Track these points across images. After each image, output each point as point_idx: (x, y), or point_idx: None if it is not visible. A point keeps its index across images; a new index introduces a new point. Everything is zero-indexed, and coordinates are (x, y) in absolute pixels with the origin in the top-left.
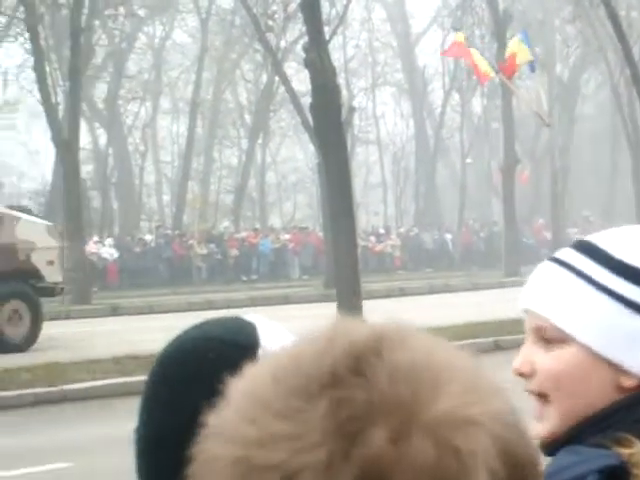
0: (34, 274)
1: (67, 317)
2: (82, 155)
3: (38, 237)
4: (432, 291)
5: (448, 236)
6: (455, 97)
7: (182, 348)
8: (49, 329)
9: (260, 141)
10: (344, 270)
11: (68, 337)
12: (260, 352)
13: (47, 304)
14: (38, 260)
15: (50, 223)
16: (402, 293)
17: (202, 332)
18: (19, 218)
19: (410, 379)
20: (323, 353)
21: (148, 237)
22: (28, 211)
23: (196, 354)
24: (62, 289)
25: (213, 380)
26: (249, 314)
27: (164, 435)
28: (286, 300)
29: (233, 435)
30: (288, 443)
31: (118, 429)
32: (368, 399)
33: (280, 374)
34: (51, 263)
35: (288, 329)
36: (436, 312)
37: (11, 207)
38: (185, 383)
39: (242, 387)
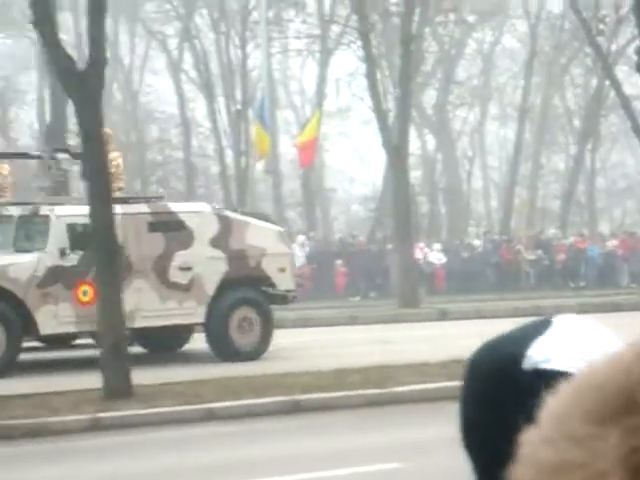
0: (265, 281)
1: (395, 320)
2: (411, 160)
3: (269, 243)
4: None
5: None
6: None
7: (492, 358)
8: (384, 331)
9: (589, 146)
10: None
11: (399, 339)
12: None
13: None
14: (269, 267)
15: (282, 229)
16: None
17: (512, 341)
18: (249, 223)
19: None
20: (622, 376)
21: (476, 242)
22: (265, 217)
23: (507, 367)
24: (294, 297)
25: (526, 396)
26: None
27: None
28: (616, 308)
29: (531, 457)
30: (579, 472)
31: (447, 431)
32: None
33: (579, 395)
34: (282, 270)
35: (619, 339)
36: None
37: (249, 213)
38: (495, 399)
39: (548, 405)
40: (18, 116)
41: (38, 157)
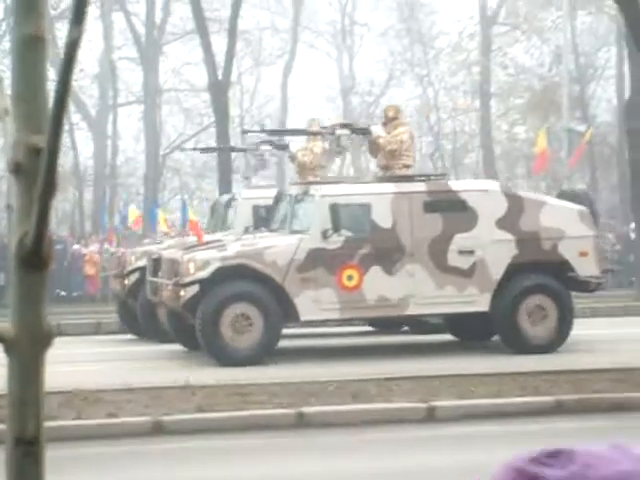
0: (562, 266)
1: None
2: None
3: (567, 225)
4: None
5: None
6: None
7: None
8: None
9: None
10: None
11: None
12: None
13: None
14: (567, 250)
15: (584, 208)
16: None
17: None
18: (544, 203)
19: None
20: None
21: None
22: (575, 196)
23: None
24: (599, 284)
25: None
26: None
27: None
28: None
29: None
30: None
31: None
32: None
33: None
34: (584, 254)
35: None
36: None
37: (563, 193)
38: None
39: None
40: (596, 93)
41: (318, 134)
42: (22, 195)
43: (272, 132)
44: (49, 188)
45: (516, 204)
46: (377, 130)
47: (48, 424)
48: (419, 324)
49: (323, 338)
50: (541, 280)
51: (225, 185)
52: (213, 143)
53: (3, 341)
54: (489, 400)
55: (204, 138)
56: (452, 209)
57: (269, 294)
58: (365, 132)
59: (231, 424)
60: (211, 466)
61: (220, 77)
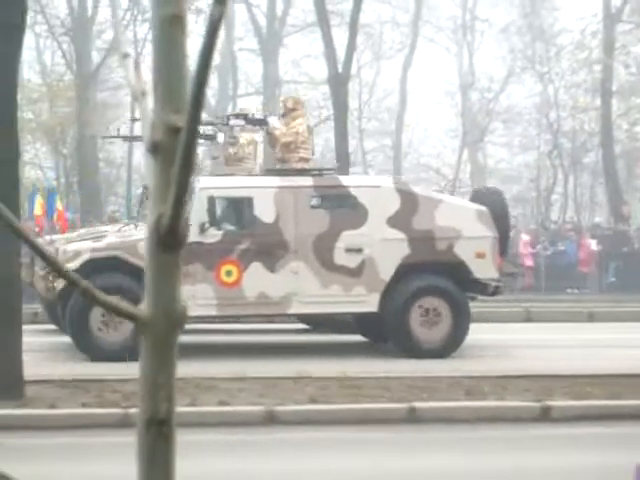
0: (458, 267)
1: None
2: None
3: (464, 224)
4: None
5: None
6: None
7: None
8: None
9: None
10: None
11: None
12: None
13: None
14: (463, 251)
15: (483, 208)
16: None
17: None
18: (440, 201)
19: None
20: None
21: None
22: (488, 195)
23: None
24: (497, 287)
25: None
26: None
27: None
28: None
29: None
30: None
31: None
32: None
33: None
34: (481, 255)
35: None
36: None
37: (477, 192)
38: None
39: None
40: None
41: (211, 124)
42: (159, 175)
43: None
44: (187, 168)
45: (410, 202)
46: (274, 122)
47: None
48: (330, 322)
49: None
50: (434, 281)
51: None
52: (331, 137)
53: (138, 322)
54: (604, 402)
55: (322, 131)
56: (340, 205)
57: (142, 288)
58: (261, 123)
59: (343, 416)
60: (322, 456)
61: (340, 70)
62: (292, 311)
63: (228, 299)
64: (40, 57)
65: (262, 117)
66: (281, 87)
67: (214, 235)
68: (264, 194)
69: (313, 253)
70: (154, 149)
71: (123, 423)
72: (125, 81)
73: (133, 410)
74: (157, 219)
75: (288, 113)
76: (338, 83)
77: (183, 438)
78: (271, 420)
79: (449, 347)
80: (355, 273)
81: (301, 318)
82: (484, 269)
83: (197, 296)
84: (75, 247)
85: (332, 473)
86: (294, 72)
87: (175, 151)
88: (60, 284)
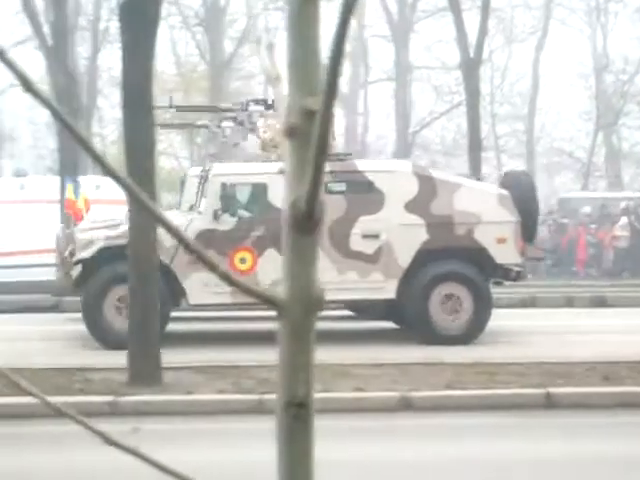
0: (478, 253)
1: None
2: None
3: (485, 209)
4: None
5: None
6: None
7: None
8: None
9: None
10: None
11: None
12: None
13: None
14: (483, 236)
15: (504, 192)
16: None
17: None
18: (459, 186)
19: None
20: None
21: None
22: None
23: None
24: (519, 272)
25: None
26: None
27: None
28: None
29: None
30: None
31: None
32: None
33: None
34: (502, 240)
35: None
36: None
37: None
38: None
39: None
40: None
41: (229, 110)
42: (295, 158)
43: (180, 108)
44: (322, 150)
45: (428, 186)
46: None
47: None
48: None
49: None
50: (454, 267)
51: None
52: (463, 122)
53: (275, 306)
54: None
55: (454, 116)
56: (357, 190)
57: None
58: None
59: (478, 402)
60: (457, 443)
61: (472, 55)
62: None
63: None
64: (174, 48)
65: None
66: (412, 73)
67: (228, 222)
68: (278, 180)
69: (329, 239)
70: (291, 133)
71: (259, 409)
72: (258, 69)
73: (268, 396)
74: (293, 202)
75: None
76: (470, 68)
77: (318, 423)
78: (407, 406)
79: (471, 334)
80: (372, 259)
81: (347, 305)
82: (505, 254)
83: (211, 284)
84: (89, 235)
85: (470, 458)
86: (426, 57)
87: (310, 135)
88: (76, 271)
